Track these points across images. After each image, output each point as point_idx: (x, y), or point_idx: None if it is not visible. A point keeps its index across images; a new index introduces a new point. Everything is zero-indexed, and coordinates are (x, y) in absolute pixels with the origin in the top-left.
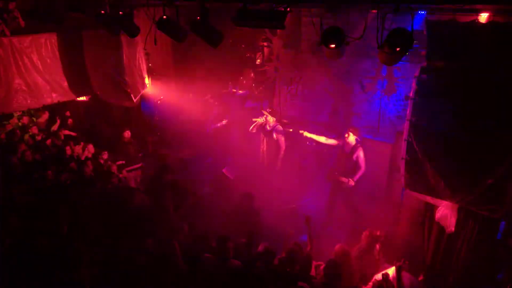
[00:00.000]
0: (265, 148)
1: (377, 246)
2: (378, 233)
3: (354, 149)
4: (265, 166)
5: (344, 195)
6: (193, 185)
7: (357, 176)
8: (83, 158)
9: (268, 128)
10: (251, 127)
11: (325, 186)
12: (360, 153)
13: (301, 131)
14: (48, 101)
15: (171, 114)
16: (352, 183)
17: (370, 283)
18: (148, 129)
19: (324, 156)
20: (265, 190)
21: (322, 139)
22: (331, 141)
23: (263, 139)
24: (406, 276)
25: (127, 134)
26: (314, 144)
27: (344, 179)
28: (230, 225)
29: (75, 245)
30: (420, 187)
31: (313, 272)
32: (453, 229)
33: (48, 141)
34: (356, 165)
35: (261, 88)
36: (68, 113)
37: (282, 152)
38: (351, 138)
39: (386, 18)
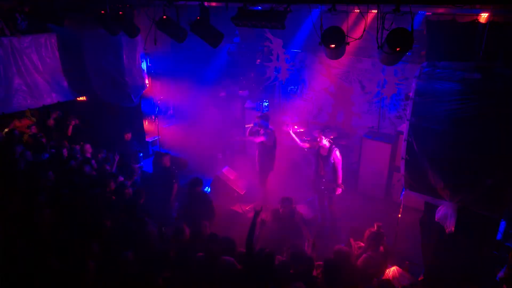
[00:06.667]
0: (257, 152)
1: (381, 248)
2: (381, 231)
3: (330, 151)
4: (259, 171)
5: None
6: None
7: (340, 181)
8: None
9: (262, 132)
10: (247, 133)
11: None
12: (337, 154)
13: (291, 131)
14: (48, 101)
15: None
16: (339, 191)
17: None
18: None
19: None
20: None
21: (297, 141)
22: (304, 144)
23: (258, 143)
24: (406, 276)
25: (128, 136)
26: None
27: (335, 191)
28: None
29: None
30: (420, 187)
31: (313, 272)
32: (453, 229)
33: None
34: (333, 167)
35: (261, 88)
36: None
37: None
38: (325, 141)
39: (386, 18)
